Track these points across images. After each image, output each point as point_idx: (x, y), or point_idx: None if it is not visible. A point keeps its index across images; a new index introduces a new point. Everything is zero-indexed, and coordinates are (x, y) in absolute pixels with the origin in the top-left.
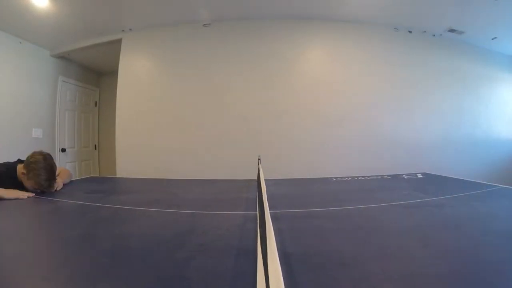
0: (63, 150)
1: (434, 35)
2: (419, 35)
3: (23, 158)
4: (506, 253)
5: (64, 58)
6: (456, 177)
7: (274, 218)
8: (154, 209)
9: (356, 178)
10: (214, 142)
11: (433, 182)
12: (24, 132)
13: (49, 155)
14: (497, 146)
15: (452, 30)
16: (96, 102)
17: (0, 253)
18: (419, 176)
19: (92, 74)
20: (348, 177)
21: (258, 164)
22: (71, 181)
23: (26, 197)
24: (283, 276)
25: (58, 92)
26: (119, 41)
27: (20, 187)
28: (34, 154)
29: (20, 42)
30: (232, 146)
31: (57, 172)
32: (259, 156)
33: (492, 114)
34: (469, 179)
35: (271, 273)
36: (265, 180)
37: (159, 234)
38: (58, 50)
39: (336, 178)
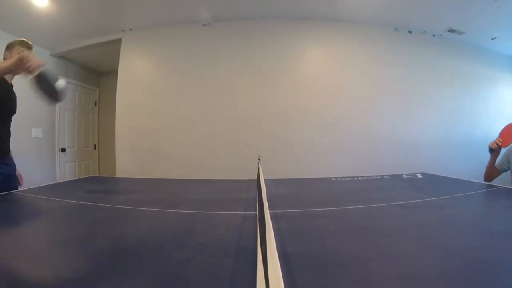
0: (63, 150)
1: (434, 35)
2: (419, 35)
3: (24, 157)
4: (506, 253)
5: (64, 57)
6: (455, 177)
7: (273, 218)
8: (154, 209)
9: (356, 178)
10: (214, 142)
11: (433, 182)
12: (24, 131)
13: None
14: None
15: (452, 30)
16: (96, 101)
17: (0, 253)
18: (419, 176)
19: (92, 74)
20: (348, 177)
21: (258, 164)
22: (71, 181)
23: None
24: (282, 276)
25: None
26: (119, 41)
27: None
28: None
29: None
30: (232, 146)
31: None
32: (259, 156)
33: (492, 114)
34: (468, 179)
35: (271, 273)
36: (265, 180)
37: (159, 234)
38: (58, 49)
39: (336, 178)
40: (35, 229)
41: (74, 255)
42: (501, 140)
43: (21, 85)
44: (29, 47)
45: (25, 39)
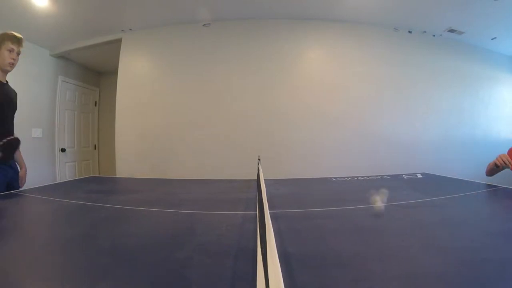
0: (63, 150)
1: (434, 35)
2: (419, 35)
3: (24, 157)
4: (506, 253)
5: (64, 57)
6: (455, 177)
7: (273, 218)
8: (154, 209)
9: (356, 178)
10: (214, 142)
11: (433, 182)
12: (24, 132)
13: None
14: (497, 146)
15: (452, 30)
16: (96, 102)
17: (0, 253)
18: (419, 176)
19: (92, 74)
20: (348, 177)
21: (258, 164)
22: (71, 181)
23: None
24: (283, 276)
25: (57, 92)
26: (119, 41)
27: None
28: None
29: None
30: (232, 146)
31: None
32: (259, 156)
33: (491, 114)
34: (468, 179)
35: (271, 273)
36: (265, 180)
37: (159, 234)
38: (58, 49)
39: (336, 178)
40: (35, 229)
41: (74, 255)
42: (510, 162)
43: (20, 86)
44: (19, 42)
45: (15, 33)
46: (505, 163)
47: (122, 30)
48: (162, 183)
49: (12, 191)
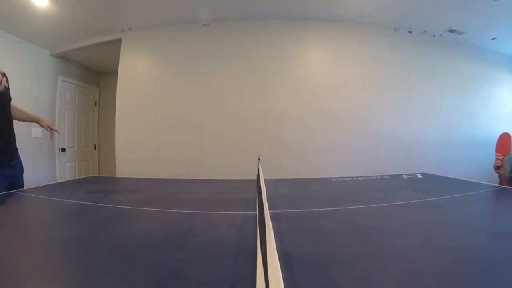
0: (63, 150)
1: (434, 35)
2: (419, 35)
3: (24, 157)
4: (506, 253)
5: (64, 57)
6: (455, 177)
7: (273, 218)
8: (154, 209)
9: (355, 178)
10: (214, 142)
11: (433, 182)
12: (24, 132)
13: None
14: None
15: (452, 30)
16: (96, 102)
17: (0, 252)
18: (419, 176)
19: (92, 74)
20: (348, 177)
21: (258, 164)
22: (71, 181)
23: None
24: (282, 276)
25: (57, 92)
26: (119, 41)
27: None
28: None
29: (20, 42)
30: (232, 146)
31: None
32: (259, 156)
33: (491, 114)
34: (468, 179)
35: (271, 273)
36: (265, 180)
37: (159, 234)
38: (58, 49)
39: (336, 178)
40: (35, 229)
41: (74, 255)
42: (500, 155)
43: (20, 86)
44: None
45: None
46: (499, 159)
47: (122, 30)
48: (162, 183)
49: (12, 191)
